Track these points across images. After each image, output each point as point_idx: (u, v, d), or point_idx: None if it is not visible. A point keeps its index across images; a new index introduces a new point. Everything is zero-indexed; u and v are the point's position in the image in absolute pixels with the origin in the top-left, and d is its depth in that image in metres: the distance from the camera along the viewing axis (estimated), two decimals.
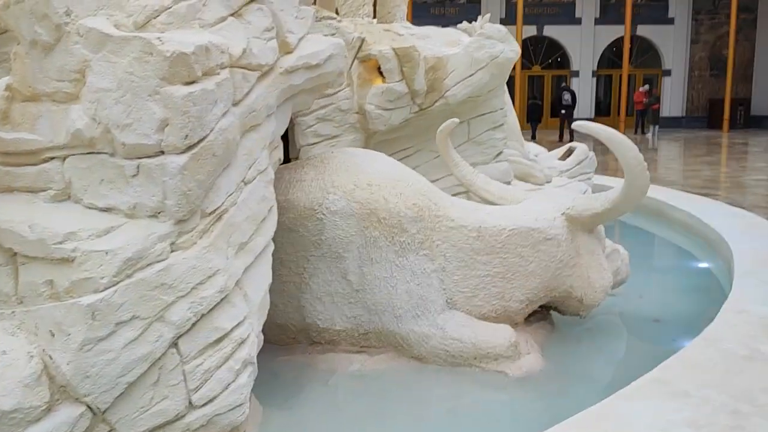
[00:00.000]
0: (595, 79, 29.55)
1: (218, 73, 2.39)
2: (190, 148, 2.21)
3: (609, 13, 28.89)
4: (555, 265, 3.33)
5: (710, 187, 10.28)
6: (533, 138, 22.91)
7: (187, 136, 2.18)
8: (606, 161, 15.18)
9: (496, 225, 3.24)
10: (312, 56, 3.04)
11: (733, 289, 3.70)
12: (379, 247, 3.06)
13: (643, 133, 25.33)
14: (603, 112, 30.56)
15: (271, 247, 2.73)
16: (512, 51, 5.34)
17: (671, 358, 2.64)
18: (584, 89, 29.51)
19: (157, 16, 2.43)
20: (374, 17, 6.13)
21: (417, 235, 3.09)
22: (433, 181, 5.57)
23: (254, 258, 2.56)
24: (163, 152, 2.19)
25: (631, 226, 7.27)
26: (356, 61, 5.11)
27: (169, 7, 2.45)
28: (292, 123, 5.13)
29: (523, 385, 3.02)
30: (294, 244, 3.14)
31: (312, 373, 3.11)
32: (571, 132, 22.75)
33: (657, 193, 7.43)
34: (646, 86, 25.94)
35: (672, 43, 29.26)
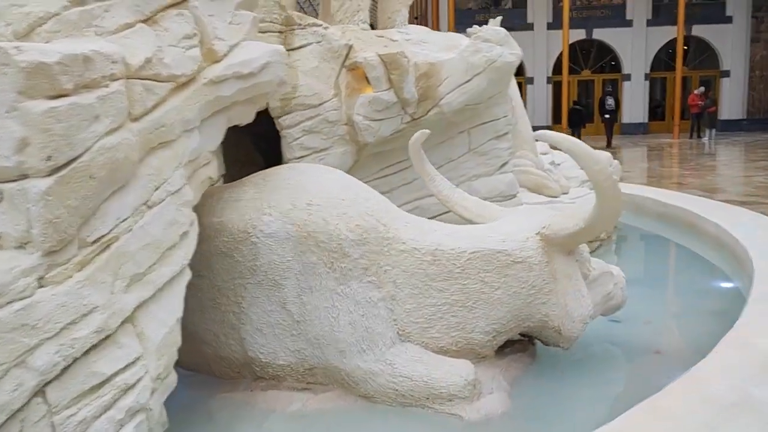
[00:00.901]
0: (648, 82, 28.47)
1: (106, 86, 2.14)
2: (56, 170, 1.96)
3: (662, 14, 27.85)
4: (526, 292, 2.95)
5: (760, 195, 9.55)
6: None
7: (50, 156, 1.93)
8: (650, 168, 14.44)
9: (455, 247, 2.89)
10: (244, 65, 2.77)
11: (742, 316, 3.24)
12: (318, 274, 2.76)
13: (699, 137, 24.22)
14: (658, 116, 29.45)
15: (184, 277, 2.47)
16: (512, 54, 4.96)
17: (637, 406, 2.24)
18: (637, 93, 28.54)
19: (43, 24, 2.20)
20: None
21: (360, 260, 2.77)
22: (433, 195, 5.31)
23: (155, 291, 2.30)
24: (26, 176, 1.95)
25: (659, 237, 6.75)
26: (344, 70, 4.84)
27: (57, 14, 2.22)
28: (279, 136, 4.91)
29: (479, 430, 2.65)
30: (230, 270, 2.87)
31: (249, 412, 2.83)
32: (610, 136, 22.06)
33: (689, 202, 6.87)
34: (702, 89, 24.87)
35: (730, 42, 27.97)
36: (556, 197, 5.89)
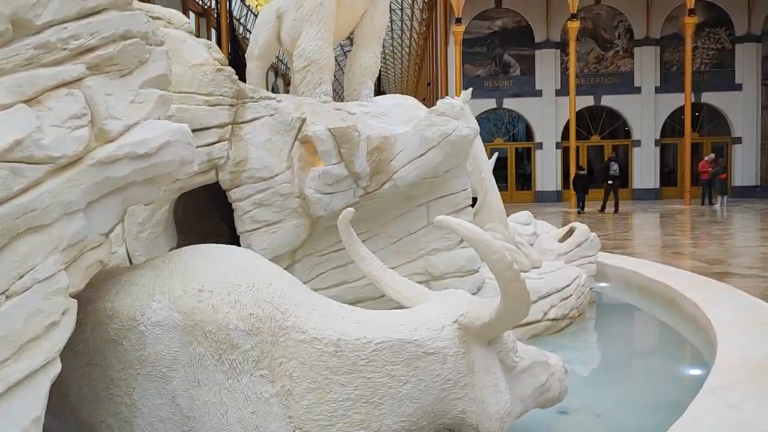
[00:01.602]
0: (658, 148, 28.39)
1: None
2: None
3: (670, 81, 28.03)
4: (439, 386, 2.74)
5: (760, 268, 9.23)
6: (582, 209, 22.08)
7: None
8: (653, 237, 14.10)
9: (360, 337, 2.70)
10: (139, 145, 2.68)
11: (685, 414, 2.98)
12: (206, 367, 2.58)
13: (710, 203, 23.90)
14: (671, 181, 29.25)
15: (50, 371, 2.30)
16: (468, 128, 4.87)
17: None
18: (647, 159, 28.47)
19: None
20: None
21: (251, 352, 2.60)
22: (392, 269, 5.14)
23: (6, 388, 2.14)
24: None
25: (642, 313, 6.48)
26: (297, 143, 4.78)
27: None
28: (232, 209, 4.82)
29: None
30: (121, 359, 2.70)
31: None
32: (617, 202, 21.80)
33: (671, 277, 6.61)
34: (712, 155, 24.70)
35: (741, 109, 27.97)
36: (525, 271, 5.69)
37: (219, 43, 31.46)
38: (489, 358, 2.87)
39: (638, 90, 28.22)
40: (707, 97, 27.92)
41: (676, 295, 6.00)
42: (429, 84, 38.78)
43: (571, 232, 6.70)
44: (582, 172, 23.41)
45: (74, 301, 2.49)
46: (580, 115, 27.39)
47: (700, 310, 5.28)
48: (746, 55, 27.77)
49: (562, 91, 27.10)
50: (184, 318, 2.61)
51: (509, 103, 28.26)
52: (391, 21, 47.53)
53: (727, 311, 5.02)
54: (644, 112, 28.12)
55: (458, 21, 24.40)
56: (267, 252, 4.76)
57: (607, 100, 28.42)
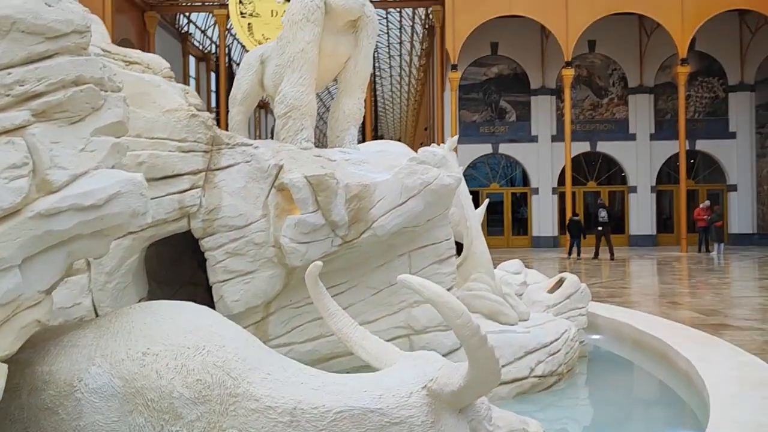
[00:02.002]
0: (654, 194, 28.38)
1: None
2: None
3: (665, 129, 28.21)
4: None
5: (757, 320, 9.00)
6: (578, 255, 21.97)
7: None
8: (649, 285, 13.83)
9: (319, 406, 2.50)
10: (85, 196, 2.51)
11: None
12: None
13: (707, 251, 23.73)
14: (668, 228, 29.14)
15: None
16: (449, 177, 4.72)
17: None
18: (643, 205, 28.43)
19: None
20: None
21: (197, 422, 2.38)
22: (370, 322, 4.93)
23: None
24: None
25: (636, 368, 6.24)
26: (274, 190, 4.63)
27: None
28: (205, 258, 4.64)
29: None
30: (56, 429, 2.48)
31: None
32: (611, 248, 21.63)
33: (664, 330, 6.40)
34: (707, 202, 24.68)
35: (735, 157, 28.04)
36: (512, 324, 5.47)
37: (218, 86, 31.72)
38: (459, 427, 2.66)
39: (633, 137, 28.33)
40: (702, 145, 28.01)
41: (669, 351, 5.78)
42: (426, 129, 39.01)
43: (560, 282, 6.50)
44: (576, 218, 23.34)
45: (3, 366, 2.29)
46: (576, 160, 27.43)
47: (693, 367, 5.05)
48: (740, 103, 27.99)
49: (558, 137, 27.18)
50: (125, 384, 2.40)
51: (505, 149, 28.31)
52: (390, 66, 48.20)
53: (721, 370, 4.80)
54: (639, 159, 28.18)
55: (454, 67, 24.62)
56: (240, 303, 4.56)
57: (603, 146, 28.50)
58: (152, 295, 5.26)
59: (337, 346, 4.86)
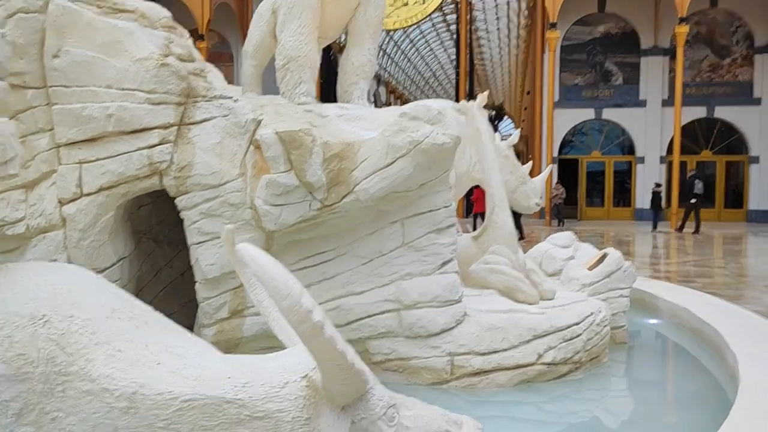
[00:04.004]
0: None
1: None
2: None
3: None
4: None
5: None
6: (654, 228, 20.62)
7: None
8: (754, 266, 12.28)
9: (163, 391, 2.14)
10: None
11: None
12: None
13: None
14: None
15: None
16: (444, 135, 4.15)
17: None
18: (766, 178, 25.77)
19: None
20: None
21: (12, 403, 2.09)
22: (357, 294, 4.52)
23: None
24: None
25: (688, 362, 5.46)
26: (252, 148, 4.27)
27: None
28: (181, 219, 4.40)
29: None
30: None
31: None
32: (698, 222, 20.01)
33: (729, 319, 5.52)
34: None
35: None
36: (531, 303, 4.86)
37: None
38: (338, 427, 2.22)
39: (758, 101, 25.60)
40: None
41: (721, 343, 4.97)
42: (528, 93, 37.41)
43: (603, 259, 5.77)
44: (658, 189, 21.72)
45: None
46: (689, 127, 25.27)
47: (738, 364, 4.28)
48: None
49: (669, 102, 25.01)
50: None
51: (609, 114, 26.48)
52: (498, 28, 46.38)
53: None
54: (764, 126, 25.48)
55: (553, 26, 23.13)
56: (215, 268, 4.29)
57: (722, 112, 25.98)
58: (148, 255, 5.12)
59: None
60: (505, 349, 4.38)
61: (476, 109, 5.55)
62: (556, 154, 26.14)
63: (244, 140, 4.28)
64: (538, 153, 26.95)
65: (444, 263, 4.44)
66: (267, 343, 4.17)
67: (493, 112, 56.31)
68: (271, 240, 4.34)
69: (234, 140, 4.29)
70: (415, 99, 20.77)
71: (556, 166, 26.01)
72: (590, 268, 5.76)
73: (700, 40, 26.10)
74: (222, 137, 4.27)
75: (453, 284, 4.41)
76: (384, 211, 4.40)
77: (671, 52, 25.56)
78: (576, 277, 5.65)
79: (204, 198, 4.25)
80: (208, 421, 2.13)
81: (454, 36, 36.67)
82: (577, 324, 4.65)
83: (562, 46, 25.70)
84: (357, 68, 5.20)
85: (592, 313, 4.81)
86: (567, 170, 26.62)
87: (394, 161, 4.13)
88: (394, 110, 4.72)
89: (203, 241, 4.30)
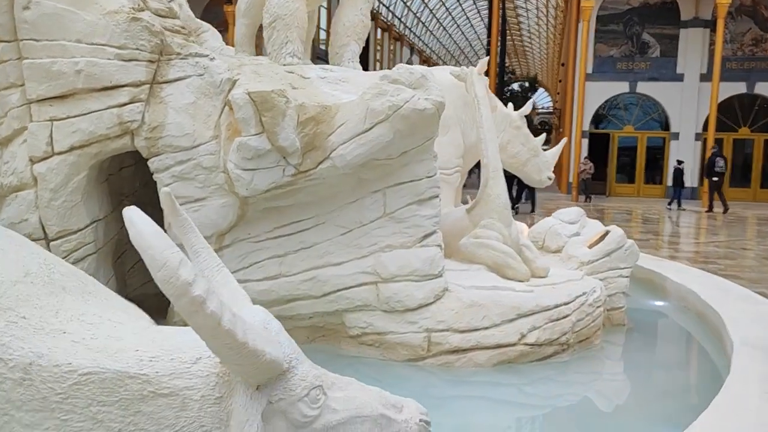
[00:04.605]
0: None
1: None
2: None
3: None
4: None
5: None
6: (679, 206, 20.16)
7: None
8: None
9: (63, 363, 2.00)
10: None
11: None
12: None
13: None
14: None
15: None
16: (426, 101, 3.91)
17: None
18: None
19: None
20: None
21: None
22: (335, 265, 4.35)
23: None
24: None
25: (688, 346, 5.21)
26: (227, 109, 4.09)
27: None
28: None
29: None
30: None
31: None
32: (723, 201, 19.49)
33: (731, 303, 5.23)
34: None
35: None
36: (520, 281, 4.64)
37: None
38: (250, 408, 2.05)
39: None
40: None
41: (722, 328, 4.70)
42: (563, 64, 36.45)
43: (604, 236, 5.49)
44: (680, 165, 21.07)
45: None
46: (728, 103, 24.35)
47: (734, 352, 4.02)
48: None
49: (708, 76, 24.05)
50: None
51: (644, 87, 25.60)
52: None
53: (756, 360, 3.75)
54: None
55: None
56: None
57: (763, 88, 24.95)
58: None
59: (297, 288, 4.35)
60: (486, 327, 4.17)
61: (474, 75, 5.27)
62: (586, 128, 25.48)
63: (219, 101, 4.11)
64: (569, 127, 26.28)
65: (425, 236, 4.24)
66: None
67: (526, 84, 55.23)
68: (246, 206, 4.19)
69: (209, 101, 4.12)
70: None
71: (586, 140, 25.37)
72: (591, 246, 5.50)
73: (743, 11, 24.96)
74: (196, 97, 4.10)
75: (433, 258, 4.21)
76: (365, 180, 4.20)
77: (712, 24, 24.49)
78: (575, 255, 5.40)
79: (176, 160, 4.10)
80: (107, 397, 1.99)
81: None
82: (566, 304, 4.42)
83: (597, 16, 24.82)
84: (348, 28, 4.96)
85: (584, 293, 4.58)
86: (598, 145, 25.94)
87: (373, 126, 3.91)
88: (381, 73, 4.49)
89: None
